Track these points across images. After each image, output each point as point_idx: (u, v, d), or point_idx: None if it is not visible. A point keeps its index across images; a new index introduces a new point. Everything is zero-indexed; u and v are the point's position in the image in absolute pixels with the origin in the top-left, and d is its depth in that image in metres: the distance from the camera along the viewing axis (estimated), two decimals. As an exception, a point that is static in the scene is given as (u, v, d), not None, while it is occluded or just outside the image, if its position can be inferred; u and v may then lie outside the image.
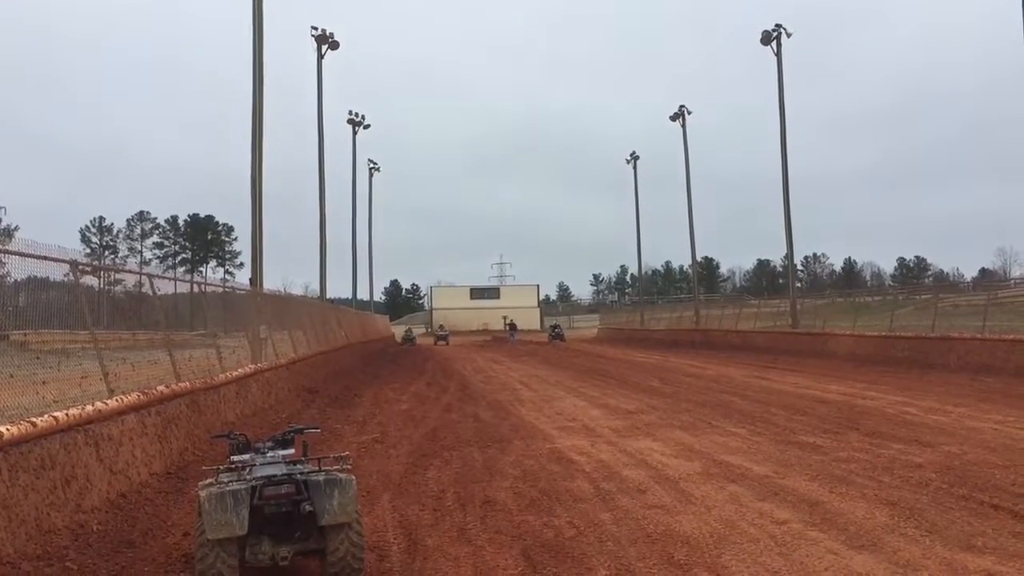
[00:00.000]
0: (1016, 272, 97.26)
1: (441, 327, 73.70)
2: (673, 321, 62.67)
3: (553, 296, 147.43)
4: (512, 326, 72.68)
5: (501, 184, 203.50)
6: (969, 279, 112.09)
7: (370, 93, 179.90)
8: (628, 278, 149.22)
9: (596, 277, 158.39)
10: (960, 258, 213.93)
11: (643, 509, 8.40)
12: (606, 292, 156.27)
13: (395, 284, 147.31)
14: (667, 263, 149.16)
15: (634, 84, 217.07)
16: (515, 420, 16.02)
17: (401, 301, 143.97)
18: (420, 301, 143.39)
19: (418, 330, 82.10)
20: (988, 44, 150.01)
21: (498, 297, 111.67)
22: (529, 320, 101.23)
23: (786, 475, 9.87)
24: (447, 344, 63.75)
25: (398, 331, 74.62)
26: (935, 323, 29.94)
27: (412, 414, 17.37)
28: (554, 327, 68.63)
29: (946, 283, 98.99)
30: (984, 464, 10.15)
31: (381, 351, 49.44)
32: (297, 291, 49.82)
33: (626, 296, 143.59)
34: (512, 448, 12.57)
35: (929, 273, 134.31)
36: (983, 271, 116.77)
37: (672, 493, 9.13)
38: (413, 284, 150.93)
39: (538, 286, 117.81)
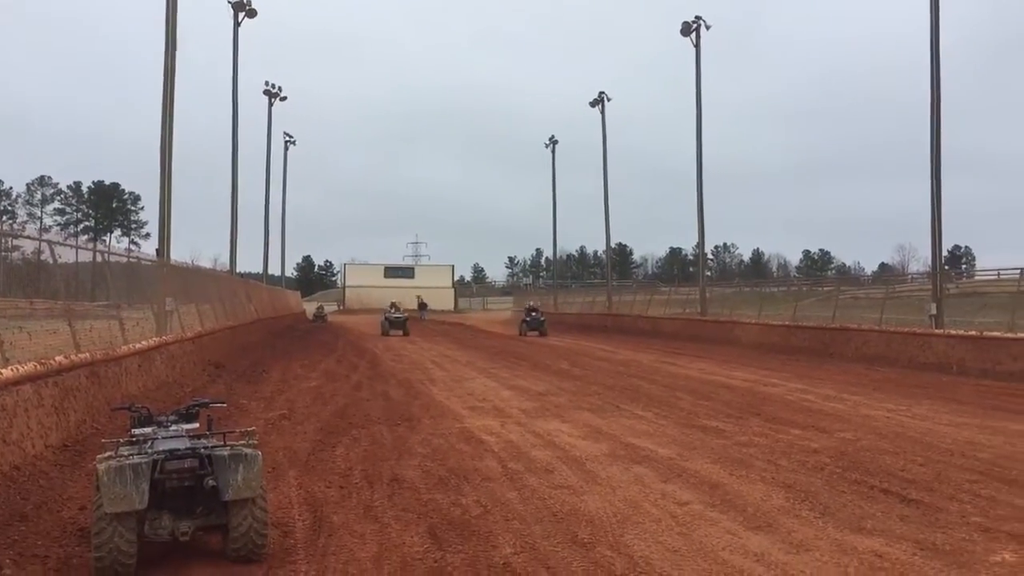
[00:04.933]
0: (914, 268, 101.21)
1: (394, 306, 45.25)
2: (586, 305, 63.43)
3: (468, 277, 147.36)
4: (422, 305, 72.98)
5: (419, 161, 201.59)
6: (869, 273, 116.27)
7: (288, 63, 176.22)
8: (543, 261, 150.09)
9: (511, 260, 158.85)
10: (862, 253, 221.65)
11: (549, 489, 8.51)
12: (521, 275, 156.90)
13: (308, 260, 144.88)
14: (582, 248, 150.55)
15: (558, 65, 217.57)
16: (425, 399, 16.01)
17: (314, 277, 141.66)
18: (333, 278, 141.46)
19: (330, 307, 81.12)
20: (898, 46, 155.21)
21: (412, 276, 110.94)
22: (443, 300, 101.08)
23: (689, 458, 10.12)
24: (404, 333, 41.73)
25: (310, 308, 73.47)
26: (836, 315, 31.03)
27: (321, 391, 17.19)
28: (531, 310, 45.96)
29: (848, 276, 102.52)
30: (876, 450, 10.58)
31: (291, 327, 48.72)
32: (206, 264, 48.62)
33: (540, 279, 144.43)
34: (422, 427, 12.57)
35: (832, 266, 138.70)
36: (883, 266, 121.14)
37: (578, 474, 9.26)
38: (326, 261, 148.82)
39: (453, 266, 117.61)
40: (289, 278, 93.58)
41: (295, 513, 7.55)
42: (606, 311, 55.82)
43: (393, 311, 44.06)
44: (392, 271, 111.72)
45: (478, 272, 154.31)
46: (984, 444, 11.05)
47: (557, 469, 9.50)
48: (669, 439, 11.51)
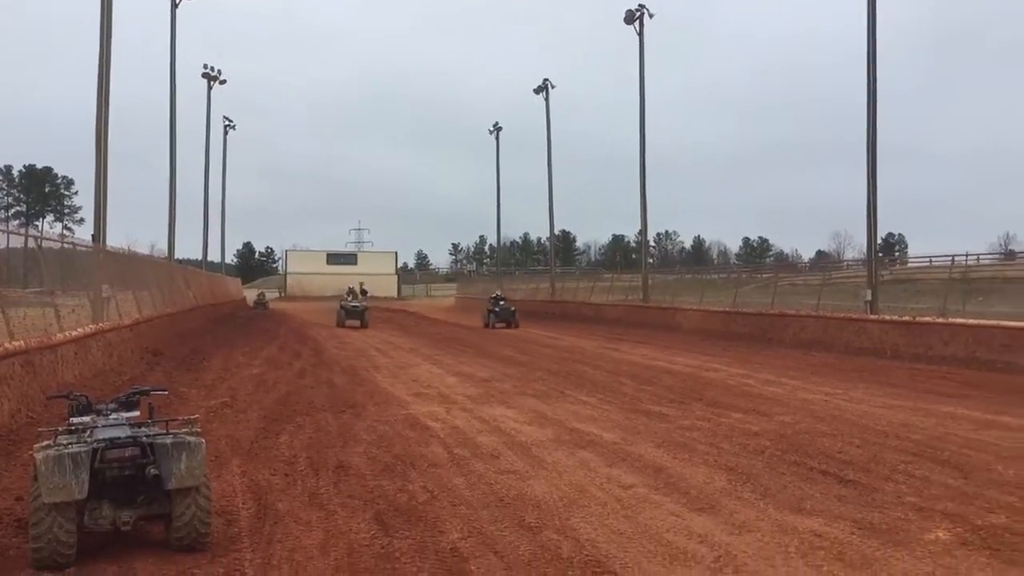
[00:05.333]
0: (849, 255, 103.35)
1: (352, 292, 39.47)
2: (530, 292, 63.56)
3: (411, 264, 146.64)
4: (363, 292, 72.45)
5: (364, 148, 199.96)
6: (807, 260, 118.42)
7: (231, 48, 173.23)
8: (487, 248, 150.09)
9: (455, 246, 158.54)
10: (800, 240, 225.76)
11: (496, 474, 8.54)
12: (464, 262, 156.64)
13: (248, 247, 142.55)
14: (525, 235, 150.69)
15: (505, 52, 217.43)
16: (370, 386, 15.93)
17: (254, 264, 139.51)
18: (274, 265, 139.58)
19: (271, 294, 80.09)
20: (838, 39, 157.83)
21: (355, 263, 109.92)
22: (387, 287, 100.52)
23: (633, 442, 10.24)
24: (362, 324, 36.73)
25: (250, 295, 72.43)
26: (775, 301, 31.58)
27: (263, 379, 16.99)
28: (497, 299, 39.90)
29: (786, 263, 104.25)
30: (814, 433, 10.82)
31: (232, 315, 48.01)
32: (143, 250, 47.45)
33: (484, 266, 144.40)
34: (367, 414, 12.51)
35: (771, 253, 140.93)
36: (819, 253, 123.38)
37: (524, 459, 9.31)
38: (267, 247, 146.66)
39: (396, 253, 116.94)
40: (229, 265, 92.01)
41: (239, 501, 7.47)
42: (550, 298, 56.05)
43: (350, 298, 38.73)
44: (334, 258, 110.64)
45: (421, 259, 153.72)
46: (917, 426, 11.38)
47: (503, 454, 9.54)
48: (613, 424, 11.63)
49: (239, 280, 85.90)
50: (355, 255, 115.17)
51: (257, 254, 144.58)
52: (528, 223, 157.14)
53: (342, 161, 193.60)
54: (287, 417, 12.17)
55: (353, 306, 38.04)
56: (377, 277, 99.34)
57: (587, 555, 5.98)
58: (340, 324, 37.19)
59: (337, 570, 5.73)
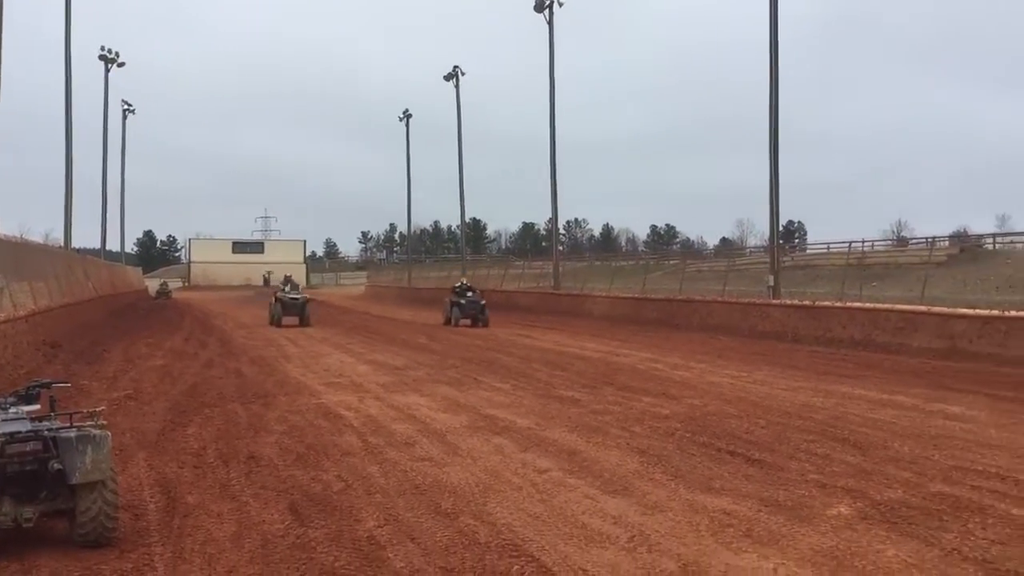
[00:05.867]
0: (752, 242, 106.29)
1: (289, 282, 31.75)
2: (441, 280, 63.31)
3: (320, 253, 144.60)
4: (266, 281, 72.38)
5: (272, 136, 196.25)
6: (712, 247, 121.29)
7: (129, 32, 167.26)
8: (397, 236, 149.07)
9: (365, 235, 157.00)
10: (705, 227, 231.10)
11: (411, 462, 8.52)
12: (374, 250, 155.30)
13: (150, 235, 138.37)
14: (436, 223, 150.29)
15: (416, 39, 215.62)
16: (280, 376, 15.68)
17: (156, 253, 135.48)
18: (177, 254, 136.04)
19: (174, 284, 77.95)
20: (743, 28, 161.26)
21: (262, 251, 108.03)
22: (295, 276, 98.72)
23: (547, 427, 10.34)
24: (301, 322, 29.47)
25: (152, 284, 70.36)
26: (682, 287, 32.30)
27: (169, 370, 16.54)
28: (465, 290, 31.40)
29: (692, 250, 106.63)
30: (722, 415, 11.12)
31: (133, 305, 46.55)
32: (37, 239, 45.48)
33: (395, 255, 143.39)
34: (277, 404, 12.31)
35: (678, 240, 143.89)
36: (724, 240, 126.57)
37: (439, 446, 9.31)
38: (169, 236, 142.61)
39: (304, 241, 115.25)
40: (129, 254, 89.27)
41: (147, 495, 7.27)
42: (461, 285, 55.98)
43: (288, 289, 30.66)
44: (240, 246, 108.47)
45: (331, 247, 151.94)
46: (818, 406, 11.81)
47: (418, 442, 9.52)
48: (527, 410, 11.72)
49: (140, 270, 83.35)
50: (262, 244, 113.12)
51: (159, 243, 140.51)
52: (439, 211, 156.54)
53: (247, 149, 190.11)
54: (195, 409, 11.88)
55: (292, 298, 30.17)
56: (285, 266, 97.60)
57: (504, 539, 6.03)
58: (275, 321, 29.26)
59: (251, 561, 5.64)
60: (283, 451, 9.06)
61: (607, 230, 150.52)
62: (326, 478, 7.87)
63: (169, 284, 68.23)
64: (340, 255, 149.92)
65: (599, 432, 9.97)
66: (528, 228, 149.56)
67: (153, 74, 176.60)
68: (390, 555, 5.73)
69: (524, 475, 7.93)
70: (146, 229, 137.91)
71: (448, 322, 30.75)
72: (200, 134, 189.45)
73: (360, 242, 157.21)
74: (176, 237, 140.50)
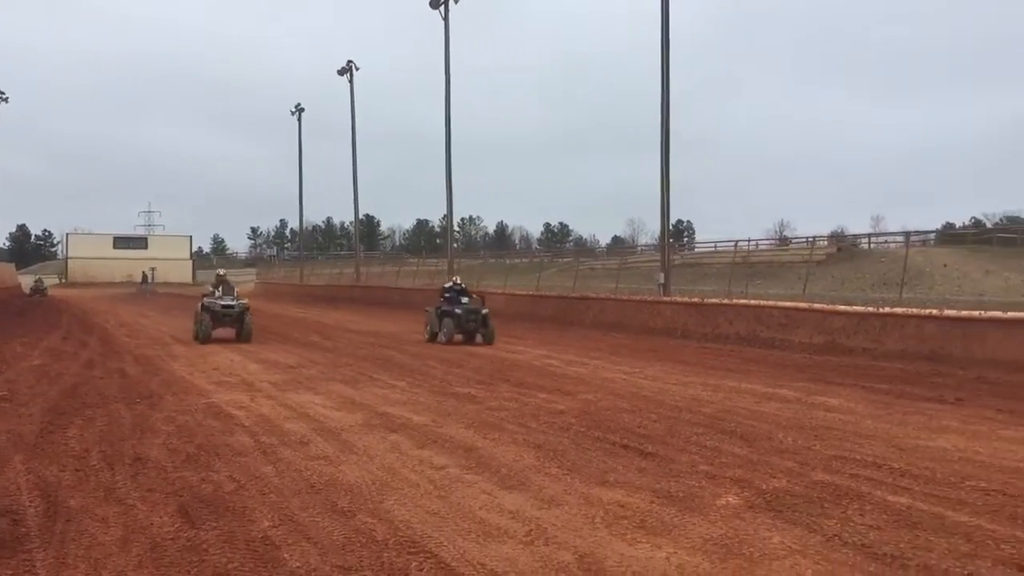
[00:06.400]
0: (643, 240, 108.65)
1: (223, 282, 23.22)
2: (333, 277, 62.68)
3: (207, 249, 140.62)
4: (144, 278, 71.28)
5: (156, 128, 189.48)
6: (604, 245, 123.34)
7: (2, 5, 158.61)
8: (288, 232, 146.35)
9: (254, 231, 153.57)
10: (597, 226, 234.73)
11: (306, 460, 8.38)
12: (264, 246, 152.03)
13: (23, 229, 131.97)
14: (328, 219, 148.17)
15: (308, 32, 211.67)
16: (166, 375, 15.19)
17: (30, 248, 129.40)
18: (53, 249, 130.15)
19: (50, 280, 74.56)
20: (636, 30, 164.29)
21: (146, 247, 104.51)
22: (181, 272, 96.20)
23: (444, 424, 10.34)
24: (240, 332, 22.35)
25: (26, 281, 67.12)
26: (576, 284, 32.76)
27: (46, 370, 15.81)
28: (460, 292, 22.75)
29: (585, 248, 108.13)
30: (615, 409, 11.33)
31: (5, 302, 44.37)
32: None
33: (286, 251, 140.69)
34: (164, 404, 11.92)
35: (571, 239, 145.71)
36: (616, 239, 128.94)
37: (335, 444, 9.20)
38: (45, 230, 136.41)
39: (191, 237, 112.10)
40: (1, 249, 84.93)
41: (25, 499, 6.93)
42: (354, 283, 55.43)
43: (220, 295, 22.77)
44: (122, 241, 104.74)
45: (218, 243, 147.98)
46: (707, 400, 12.17)
47: (312, 441, 9.38)
48: (423, 407, 11.69)
49: (13, 266, 79.46)
50: (145, 239, 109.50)
51: (33, 237, 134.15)
52: (331, 207, 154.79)
53: (129, 141, 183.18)
54: (75, 410, 11.39)
55: (225, 306, 22.48)
56: (170, 262, 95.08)
57: (402, 536, 6.00)
58: (202, 336, 21.84)
59: (140, 566, 5.45)
60: (171, 452, 8.79)
61: (501, 228, 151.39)
62: (217, 479, 7.66)
63: (44, 281, 65.18)
64: (228, 251, 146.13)
65: (495, 428, 10.03)
66: (422, 225, 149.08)
67: (32, 61, 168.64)
68: (285, 555, 5.63)
69: (421, 472, 7.91)
70: (19, 223, 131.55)
71: (434, 338, 22.29)
72: (82, 125, 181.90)
73: (250, 238, 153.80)
74: (52, 232, 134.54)
